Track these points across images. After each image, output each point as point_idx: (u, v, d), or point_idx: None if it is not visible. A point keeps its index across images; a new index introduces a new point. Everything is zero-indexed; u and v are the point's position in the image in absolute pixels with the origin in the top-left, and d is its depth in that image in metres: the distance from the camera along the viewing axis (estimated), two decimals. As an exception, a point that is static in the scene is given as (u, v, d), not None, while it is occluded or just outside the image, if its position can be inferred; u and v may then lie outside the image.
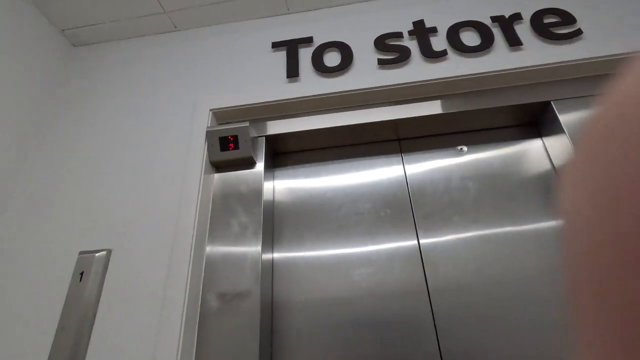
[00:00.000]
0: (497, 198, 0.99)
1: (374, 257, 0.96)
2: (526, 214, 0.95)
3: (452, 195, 1.01)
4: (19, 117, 1.12)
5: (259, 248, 0.91)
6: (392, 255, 0.96)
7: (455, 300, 0.88)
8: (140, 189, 1.02)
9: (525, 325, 0.83)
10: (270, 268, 0.98)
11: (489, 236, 0.94)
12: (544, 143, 1.05)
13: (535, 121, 1.09)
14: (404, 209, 1.02)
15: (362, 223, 1.01)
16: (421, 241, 0.96)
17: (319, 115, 1.10)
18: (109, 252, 0.93)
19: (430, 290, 0.90)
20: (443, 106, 1.04)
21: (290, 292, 0.95)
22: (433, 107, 1.04)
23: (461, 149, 1.07)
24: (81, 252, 0.93)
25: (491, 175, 1.02)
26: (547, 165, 1.02)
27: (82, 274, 0.88)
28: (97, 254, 0.92)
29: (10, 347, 0.85)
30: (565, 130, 0.94)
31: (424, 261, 0.93)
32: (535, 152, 1.04)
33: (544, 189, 0.98)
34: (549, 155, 1.03)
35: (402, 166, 1.08)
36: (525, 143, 1.06)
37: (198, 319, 0.86)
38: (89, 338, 0.83)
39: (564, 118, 0.96)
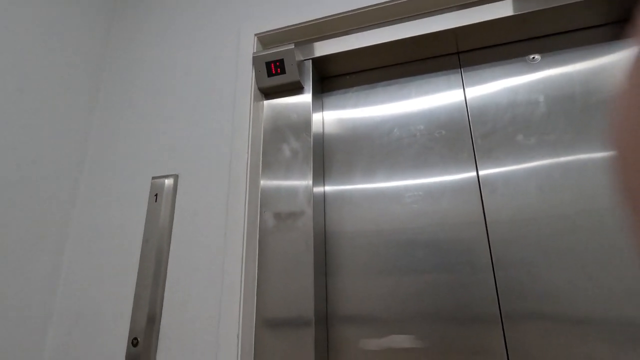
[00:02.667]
0: (572, 118, 0.87)
1: (427, 180, 0.94)
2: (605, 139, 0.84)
3: (517, 113, 0.91)
4: (81, 63, 1.20)
5: (310, 182, 0.93)
6: (446, 179, 0.92)
7: (515, 230, 0.84)
8: (196, 120, 1.07)
9: (595, 262, 0.77)
10: (322, 196, 1.01)
11: (561, 163, 0.85)
12: (641, 44, 0.87)
13: (629, 17, 0.90)
14: (461, 128, 0.95)
15: (414, 145, 0.98)
16: (479, 166, 0.91)
17: (367, 32, 1.01)
18: (176, 177, 1.02)
19: (486, 214, 0.86)
20: (515, 6, 0.89)
21: (342, 214, 0.98)
22: (502, 9, 0.90)
23: (533, 58, 0.94)
24: (153, 177, 1.03)
25: (569, 87, 0.89)
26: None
27: (156, 195, 0.99)
28: (166, 179, 1.01)
29: (110, 255, 1.01)
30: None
31: (481, 187, 0.89)
32: (629, 58, 0.87)
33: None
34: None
35: (460, 82, 0.99)
36: (616, 46, 0.89)
37: (258, 235, 0.94)
38: (169, 249, 0.96)
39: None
